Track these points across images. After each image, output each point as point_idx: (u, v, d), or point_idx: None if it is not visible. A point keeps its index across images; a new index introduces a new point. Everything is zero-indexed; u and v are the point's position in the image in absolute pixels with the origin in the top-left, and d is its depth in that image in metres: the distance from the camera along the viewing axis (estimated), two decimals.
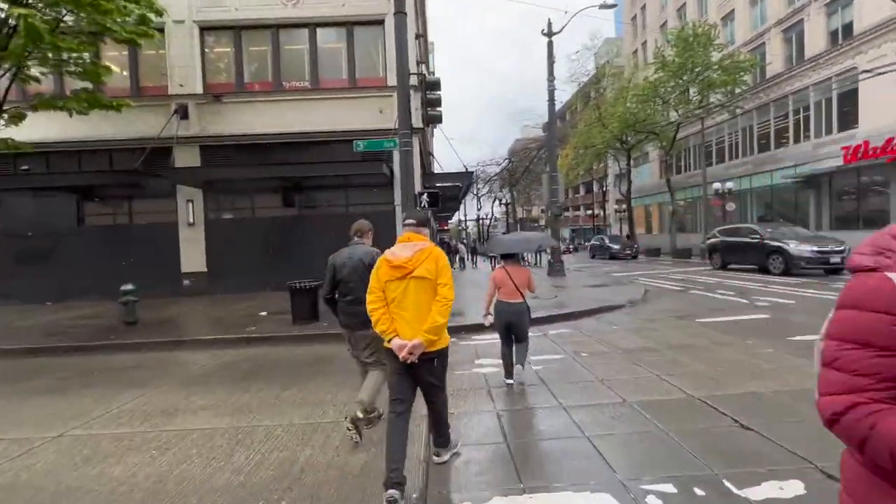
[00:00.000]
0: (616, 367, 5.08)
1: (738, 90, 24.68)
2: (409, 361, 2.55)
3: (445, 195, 19.55)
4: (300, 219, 13.34)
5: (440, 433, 3.08)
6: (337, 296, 3.55)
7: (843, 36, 20.53)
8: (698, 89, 24.26)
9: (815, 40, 21.78)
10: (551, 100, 14.47)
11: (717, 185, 23.08)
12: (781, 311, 7.76)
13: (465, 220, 64.60)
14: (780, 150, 24.18)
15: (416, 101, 10.82)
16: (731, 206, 23.04)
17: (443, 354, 2.77)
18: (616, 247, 25.26)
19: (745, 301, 8.89)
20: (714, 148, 28.61)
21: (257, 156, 12.92)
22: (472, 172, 14.24)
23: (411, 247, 2.67)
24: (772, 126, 24.92)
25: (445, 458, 3.08)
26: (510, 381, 4.53)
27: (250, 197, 13.48)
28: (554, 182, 14.02)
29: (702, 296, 9.97)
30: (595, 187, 46.77)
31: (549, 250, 18.22)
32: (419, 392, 2.84)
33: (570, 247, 37.43)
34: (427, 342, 2.57)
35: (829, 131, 21.31)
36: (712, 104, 25.32)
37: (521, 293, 4.40)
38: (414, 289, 2.62)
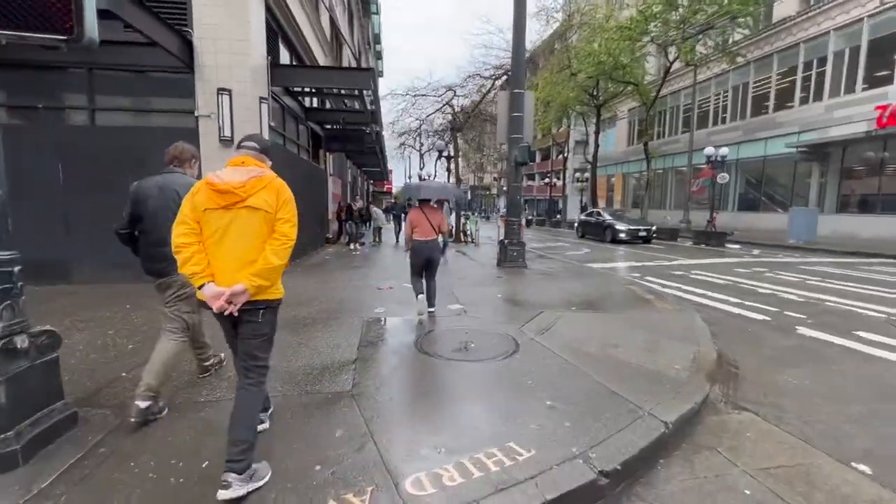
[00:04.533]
0: None
1: (741, 33, 19.86)
2: (226, 312, 1.86)
3: (342, 131, 12.93)
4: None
5: (238, 446, 1.85)
6: (138, 234, 2.68)
7: None
8: (697, 27, 18.99)
9: None
10: None
11: (709, 151, 18.32)
12: None
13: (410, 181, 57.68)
14: (782, 112, 19.86)
15: None
16: (723, 178, 18.54)
17: (272, 308, 2.01)
18: (623, 227, 16.32)
19: None
20: (695, 112, 23.88)
21: None
22: (370, 69, 7.89)
23: (245, 171, 1.94)
24: (773, 83, 20.45)
25: (239, 492, 1.79)
26: (422, 296, 4.87)
27: None
28: (518, 106, 8.02)
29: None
30: (553, 154, 41.65)
31: (500, 220, 12.15)
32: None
33: (527, 218, 31.18)
34: (253, 288, 1.86)
35: (850, 89, 17.01)
36: (710, 48, 20.31)
37: (436, 231, 4.85)
38: (244, 222, 1.90)
